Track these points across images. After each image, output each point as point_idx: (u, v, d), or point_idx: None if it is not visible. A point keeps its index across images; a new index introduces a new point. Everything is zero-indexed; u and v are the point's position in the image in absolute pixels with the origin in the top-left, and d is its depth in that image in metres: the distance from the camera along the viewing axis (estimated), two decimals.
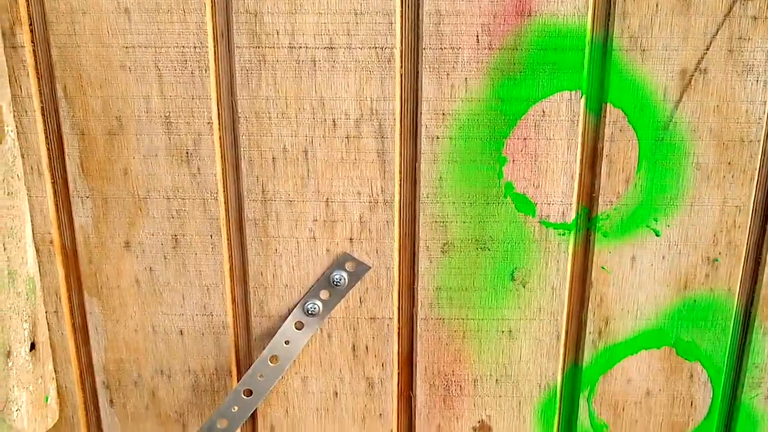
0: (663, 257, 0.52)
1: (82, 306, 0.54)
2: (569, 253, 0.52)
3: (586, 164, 0.51)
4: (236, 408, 0.53)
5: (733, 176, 0.50)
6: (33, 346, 0.52)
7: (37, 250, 0.52)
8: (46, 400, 0.54)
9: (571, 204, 0.51)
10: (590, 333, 0.54)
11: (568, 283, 0.53)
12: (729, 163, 0.50)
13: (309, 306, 0.53)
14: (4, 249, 0.49)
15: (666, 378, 0.55)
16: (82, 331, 0.55)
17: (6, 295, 0.49)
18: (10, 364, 0.50)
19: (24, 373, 0.51)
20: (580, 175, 0.51)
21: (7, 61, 0.48)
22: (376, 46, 0.48)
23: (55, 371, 0.55)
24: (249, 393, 0.53)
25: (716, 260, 0.52)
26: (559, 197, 0.51)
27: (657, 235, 0.52)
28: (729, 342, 0.54)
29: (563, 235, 0.52)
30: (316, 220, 0.51)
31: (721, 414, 0.56)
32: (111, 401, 0.56)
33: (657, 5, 0.46)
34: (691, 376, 0.55)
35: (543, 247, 0.52)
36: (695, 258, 0.52)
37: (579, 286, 0.53)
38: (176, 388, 0.56)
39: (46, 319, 0.54)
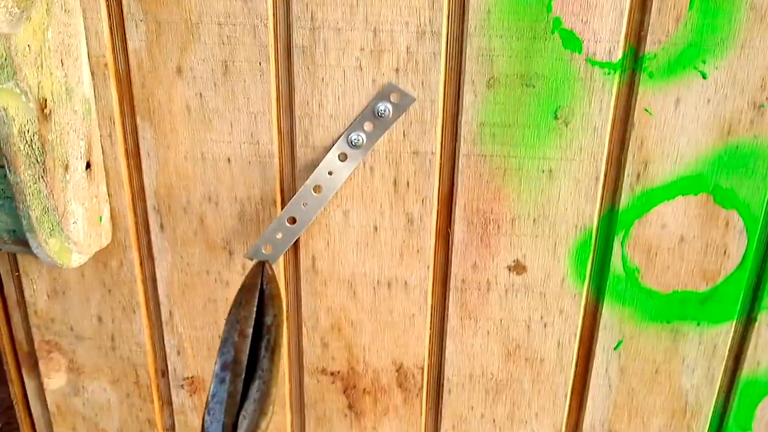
0: (708, 101, 0.52)
1: (134, 131, 0.56)
2: (613, 94, 0.52)
3: (637, 0, 0.50)
4: (280, 235, 0.55)
5: None
6: (88, 165, 0.54)
7: (92, 74, 0.54)
8: (100, 220, 0.57)
9: (618, 42, 0.51)
10: (628, 176, 0.54)
11: (610, 124, 0.53)
12: None
13: (353, 137, 0.54)
14: (62, 65, 0.51)
15: (701, 225, 0.56)
16: (134, 156, 0.57)
17: (64, 111, 0.51)
18: (68, 177, 0.52)
19: (80, 190, 0.54)
20: (630, 11, 0.50)
21: None
22: None
23: (108, 195, 0.58)
24: (293, 221, 0.55)
25: (762, 106, 0.52)
26: (607, 35, 0.51)
27: (704, 78, 0.51)
28: None
29: (608, 74, 0.52)
30: (363, 49, 0.52)
31: (755, 264, 0.57)
32: (161, 226, 0.59)
33: None
34: (727, 224, 0.55)
35: (587, 86, 0.52)
36: (741, 102, 0.52)
37: (620, 127, 0.53)
38: (223, 215, 0.58)
39: (101, 142, 0.56)
